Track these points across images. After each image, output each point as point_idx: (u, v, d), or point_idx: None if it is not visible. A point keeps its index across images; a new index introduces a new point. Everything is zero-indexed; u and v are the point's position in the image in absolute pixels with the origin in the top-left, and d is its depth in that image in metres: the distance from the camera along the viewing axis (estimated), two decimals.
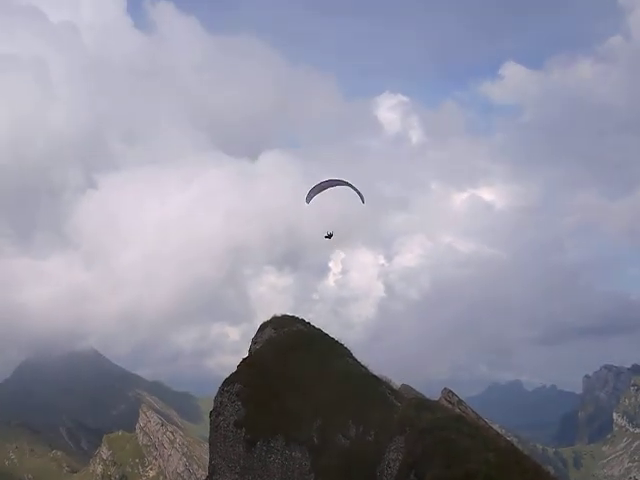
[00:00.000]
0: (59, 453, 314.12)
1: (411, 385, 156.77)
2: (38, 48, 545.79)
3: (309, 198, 65.06)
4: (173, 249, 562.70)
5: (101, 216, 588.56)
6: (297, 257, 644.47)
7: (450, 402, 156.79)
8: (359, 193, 63.02)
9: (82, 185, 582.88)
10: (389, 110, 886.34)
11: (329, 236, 66.08)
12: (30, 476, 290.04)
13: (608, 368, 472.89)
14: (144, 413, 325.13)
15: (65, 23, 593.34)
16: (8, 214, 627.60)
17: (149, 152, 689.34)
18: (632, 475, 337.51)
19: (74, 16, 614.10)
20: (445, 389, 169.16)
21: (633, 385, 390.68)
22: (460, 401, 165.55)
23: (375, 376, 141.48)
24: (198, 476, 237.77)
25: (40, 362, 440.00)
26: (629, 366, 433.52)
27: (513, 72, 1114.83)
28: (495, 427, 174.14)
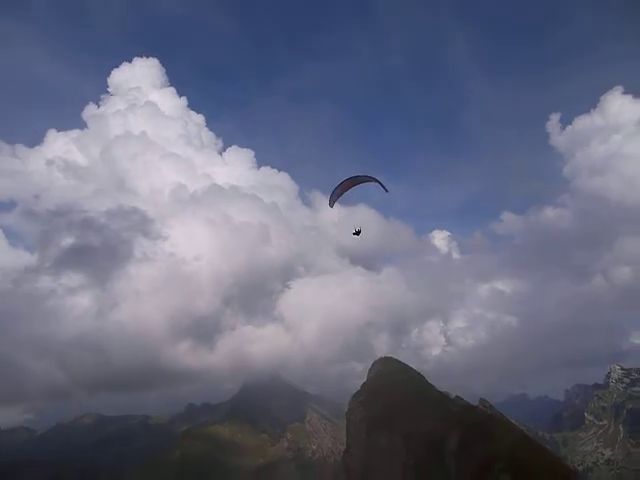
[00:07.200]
0: (264, 435, 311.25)
1: (461, 396, 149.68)
2: (260, 217, 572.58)
3: (332, 202, 46.81)
4: (334, 323, 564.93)
5: (293, 304, 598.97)
6: (400, 326, 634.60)
7: (484, 406, 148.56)
8: (382, 184, 45.08)
9: (282, 287, 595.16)
10: (439, 240, 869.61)
11: (357, 233, 48.18)
12: (249, 447, 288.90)
13: (579, 386, 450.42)
14: (309, 413, 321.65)
15: (272, 203, 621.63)
16: (243, 303, 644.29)
17: (317, 269, 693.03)
18: (599, 450, 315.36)
19: (275, 198, 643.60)
20: (481, 398, 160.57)
21: (595, 396, 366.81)
22: (490, 406, 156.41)
23: (440, 391, 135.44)
24: (341, 449, 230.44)
25: (255, 384, 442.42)
26: (592, 384, 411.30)
27: (508, 217, 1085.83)
28: (512, 421, 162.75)
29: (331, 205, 46.92)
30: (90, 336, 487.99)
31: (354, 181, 44.59)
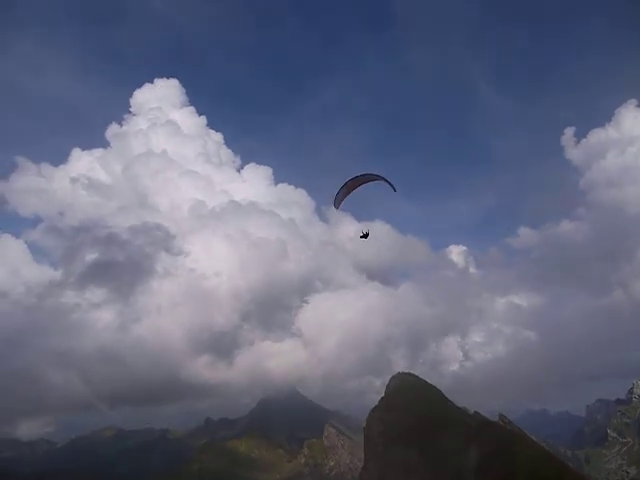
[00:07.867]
0: (281, 450, 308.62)
1: (479, 411, 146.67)
2: (277, 233, 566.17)
3: (337, 203, 42.88)
4: (351, 339, 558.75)
5: (311, 319, 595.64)
6: (418, 341, 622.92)
7: (503, 422, 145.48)
8: (389, 183, 41.33)
9: (299, 303, 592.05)
10: (456, 255, 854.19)
11: (365, 235, 45.23)
12: (266, 463, 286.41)
13: (601, 401, 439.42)
14: (327, 429, 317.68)
15: (289, 219, 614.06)
16: (261, 319, 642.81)
17: (334, 284, 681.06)
18: (624, 468, 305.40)
19: (292, 214, 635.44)
20: (500, 414, 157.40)
21: (618, 411, 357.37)
22: (510, 421, 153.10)
23: (458, 406, 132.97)
24: (358, 466, 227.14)
25: (273, 399, 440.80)
26: (614, 399, 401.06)
27: (524, 232, 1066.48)
28: (532, 437, 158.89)
29: (336, 207, 43.26)
30: (112, 350, 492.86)
31: (360, 180, 41.18)
